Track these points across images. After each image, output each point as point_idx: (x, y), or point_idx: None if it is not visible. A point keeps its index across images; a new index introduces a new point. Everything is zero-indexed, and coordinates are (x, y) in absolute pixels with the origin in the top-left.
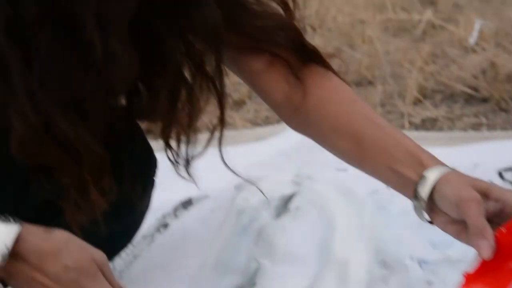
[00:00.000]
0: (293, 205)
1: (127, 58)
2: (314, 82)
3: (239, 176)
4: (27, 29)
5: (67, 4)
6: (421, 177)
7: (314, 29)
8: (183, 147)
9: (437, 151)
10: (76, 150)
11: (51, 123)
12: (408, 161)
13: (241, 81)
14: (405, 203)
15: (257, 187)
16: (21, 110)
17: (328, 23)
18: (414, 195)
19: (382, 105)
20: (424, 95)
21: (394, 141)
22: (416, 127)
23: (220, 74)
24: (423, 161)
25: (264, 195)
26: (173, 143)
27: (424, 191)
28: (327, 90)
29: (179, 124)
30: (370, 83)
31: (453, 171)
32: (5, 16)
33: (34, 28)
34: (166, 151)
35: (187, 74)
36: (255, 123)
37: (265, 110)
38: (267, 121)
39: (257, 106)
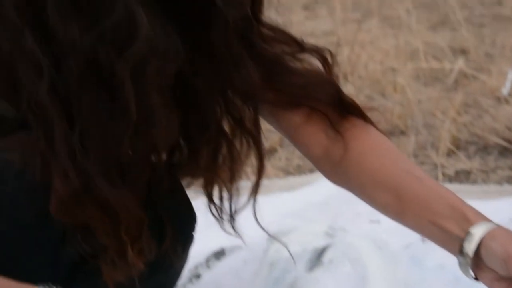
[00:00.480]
0: (326, 258)
1: (167, 118)
2: (353, 135)
3: (268, 234)
4: (70, 90)
5: (107, 65)
6: (467, 233)
7: (345, 76)
8: (225, 201)
9: (472, 205)
10: (115, 211)
11: (91, 184)
12: (452, 216)
13: (272, 129)
14: (440, 258)
15: (285, 246)
16: (62, 170)
17: (359, 71)
18: (459, 251)
19: (415, 155)
20: (458, 146)
21: (436, 195)
22: (449, 179)
23: (258, 129)
24: (468, 216)
25: (291, 254)
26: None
27: (470, 247)
28: (366, 143)
29: (221, 179)
30: (403, 132)
31: (499, 226)
32: (48, 77)
33: (77, 89)
34: (209, 207)
35: (227, 129)
36: (286, 171)
37: (297, 158)
38: (299, 170)
39: (288, 154)
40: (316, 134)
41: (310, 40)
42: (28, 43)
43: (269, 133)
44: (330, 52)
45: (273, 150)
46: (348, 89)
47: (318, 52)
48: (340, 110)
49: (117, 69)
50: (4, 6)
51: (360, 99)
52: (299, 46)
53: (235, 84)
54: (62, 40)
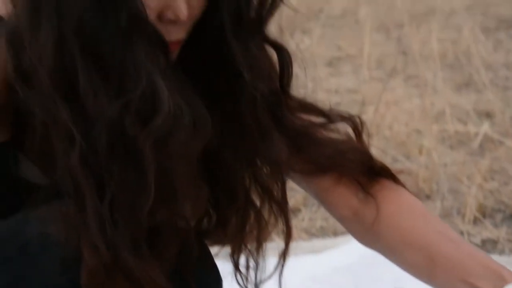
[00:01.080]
0: None
1: (194, 189)
2: (384, 196)
3: None
4: (100, 161)
5: (131, 136)
6: None
7: (370, 137)
8: (251, 270)
9: None
10: (142, 283)
11: (120, 257)
12: (486, 275)
13: (296, 187)
14: None
15: None
16: (92, 242)
17: (384, 132)
18: None
19: None
20: (484, 213)
21: (468, 255)
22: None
23: (285, 199)
24: (503, 275)
25: None
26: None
27: None
28: (398, 204)
29: (248, 248)
30: (428, 197)
31: None
32: (80, 147)
33: (106, 160)
34: (235, 275)
35: (255, 197)
36: (309, 232)
37: (320, 219)
38: (322, 231)
39: (312, 214)
40: (346, 196)
41: (335, 98)
42: (61, 113)
43: (292, 191)
44: (360, 119)
45: (296, 210)
46: (372, 150)
47: (348, 120)
48: (371, 174)
49: (140, 141)
50: (39, 76)
51: (384, 161)
52: (327, 117)
53: (263, 155)
54: (91, 110)
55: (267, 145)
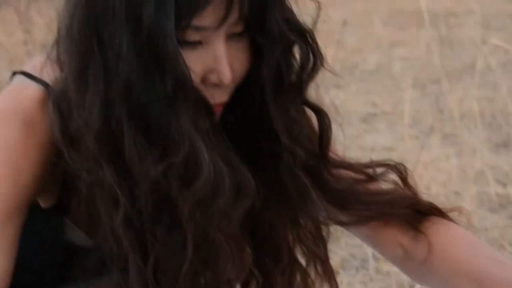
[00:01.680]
0: None
1: (236, 251)
2: (434, 231)
3: None
4: (144, 223)
5: (173, 199)
6: None
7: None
8: None
9: None
10: None
11: None
12: None
13: (333, 249)
14: None
15: None
16: None
17: (421, 192)
18: None
19: None
20: None
21: None
22: None
23: (327, 258)
24: None
25: None
26: None
27: None
28: (447, 237)
29: None
30: None
31: None
32: (124, 209)
33: (150, 222)
34: None
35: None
36: None
37: (358, 283)
38: None
39: (350, 278)
40: (397, 236)
41: (370, 156)
42: (106, 175)
43: (330, 253)
44: (403, 165)
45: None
46: None
47: (391, 167)
48: (419, 214)
49: (180, 203)
50: (85, 139)
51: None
52: (370, 170)
53: (304, 215)
54: (136, 172)
55: (308, 205)
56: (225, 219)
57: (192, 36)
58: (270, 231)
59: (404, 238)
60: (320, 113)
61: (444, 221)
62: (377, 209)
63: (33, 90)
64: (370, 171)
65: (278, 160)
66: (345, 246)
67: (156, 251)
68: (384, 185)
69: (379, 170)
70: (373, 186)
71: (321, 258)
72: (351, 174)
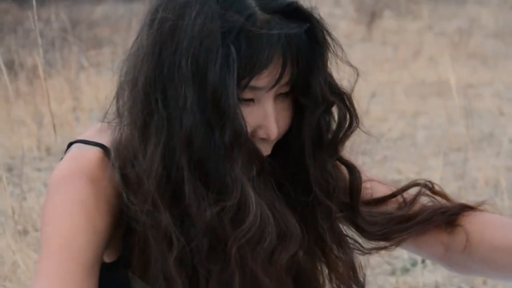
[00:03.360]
0: None
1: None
2: (468, 222)
3: None
4: (199, 262)
5: (224, 239)
6: None
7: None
8: None
9: None
10: None
11: None
12: None
13: None
14: None
15: None
16: None
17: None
18: None
19: None
20: None
21: None
22: None
23: None
24: None
25: None
26: None
27: None
28: (481, 221)
29: None
30: None
31: None
32: (177, 250)
33: (205, 260)
34: None
35: None
36: None
37: None
38: None
39: None
40: (436, 235)
41: None
42: (163, 218)
43: None
44: (430, 182)
45: None
46: (436, 277)
47: (418, 184)
48: (453, 215)
49: (229, 244)
50: (145, 185)
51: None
52: (403, 203)
53: (341, 262)
54: (194, 215)
55: (342, 252)
56: (270, 261)
57: (248, 95)
58: (308, 278)
59: (443, 235)
60: (352, 169)
61: (476, 212)
62: (416, 228)
63: (92, 152)
64: (402, 196)
65: (314, 210)
66: None
67: (211, 287)
68: (417, 204)
69: (411, 191)
70: (408, 208)
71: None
72: (386, 208)
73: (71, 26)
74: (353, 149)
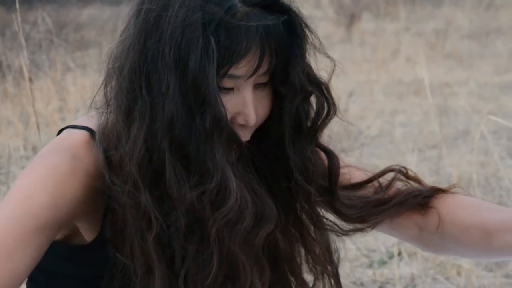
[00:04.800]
0: None
1: (258, 269)
2: (441, 202)
3: None
4: (176, 242)
5: (203, 220)
6: None
7: (410, 255)
8: None
9: None
10: None
11: None
12: None
13: None
14: None
15: None
16: None
17: (423, 252)
18: None
19: None
20: None
21: None
22: None
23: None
24: None
25: None
26: None
27: None
28: (453, 202)
29: None
30: None
31: None
32: (156, 229)
33: (183, 240)
34: None
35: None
36: None
37: None
38: None
39: None
40: (409, 217)
41: None
42: (143, 199)
43: None
44: (404, 167)
45: None
46: (412, 269)
47: (392, 170)
48: (427, 197)
49: (209, 225)
50: (128, 166)
51: (424, 281)
52: (378, 187)
53: (318, 241)
54: (173, 197)
55: (319, 234)
56: (247, 241)
57: (227, 83)
58: (286, 259)
59: (417, 216)
60: (330, 154)
61: (449, 194)
62: (391, 211)
63: (79, 134)
64: (378, 181)
65: (295, 194)
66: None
67: (186, 265)
68: (392, 188)
69: (387, 176)
70: (383, 193)
71: (330, 275)
72: (363, 192)
73: (58, 28)
74: (333, 146)
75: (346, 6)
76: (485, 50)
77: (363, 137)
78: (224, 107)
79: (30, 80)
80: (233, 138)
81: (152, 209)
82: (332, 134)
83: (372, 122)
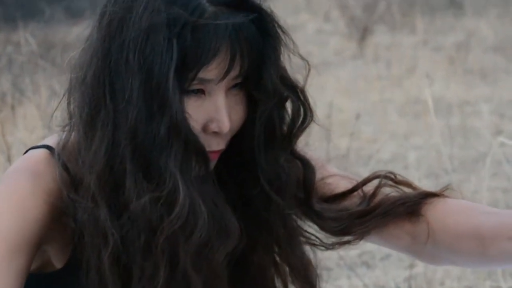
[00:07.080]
0: None
1: None
2: (431, 209)
3: None
4: (132, 258)
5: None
6: None
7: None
8: None
9: None
10: None
11: None
12: None
13: None
14: None
15: None
16: None
17: None
18: None
19: None
20: None
21: (509, 215)
22: None
23: None
24: None
25: None
26: None
27: None
28: (444, 209)
29: None
30: None
31: None
32: (112, 246)
33: (140, 256)
34: None
35: None
36: None
37: None
38: None
39: None
40: (400, 227)
41: None
42: (101, 214)
43: None
44: (392, 172)
45: None
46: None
47: (380, 176)
48: (416, 204)
49: (156, 236)
50: (87, 181)
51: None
52: (363, 196)
53: (290, 259)
54: (133, 209)
55: (294, 249)
56: (205, 256)
57: (197, 87)
58: (260, 274)
59: (407, 225)
60: (306, 163)
61: (440, 199)
62: (375, 221)
63: (39, 152)
64: (362, 190)
65: (267, 206)
66: None
67: (142, 284)
68: (379, 196)
69: (373, 183)
70: (367, 202)
71: None
72: (347, 203)
73: (46, 49)
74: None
75: (358, 19)
76: (511, 64)
77: (375, 161)
78: (184, 113)
79: (13, 107)
80: (193, 145)
81: (108, 224)
82: (338, 157)
83: (383, 145)
